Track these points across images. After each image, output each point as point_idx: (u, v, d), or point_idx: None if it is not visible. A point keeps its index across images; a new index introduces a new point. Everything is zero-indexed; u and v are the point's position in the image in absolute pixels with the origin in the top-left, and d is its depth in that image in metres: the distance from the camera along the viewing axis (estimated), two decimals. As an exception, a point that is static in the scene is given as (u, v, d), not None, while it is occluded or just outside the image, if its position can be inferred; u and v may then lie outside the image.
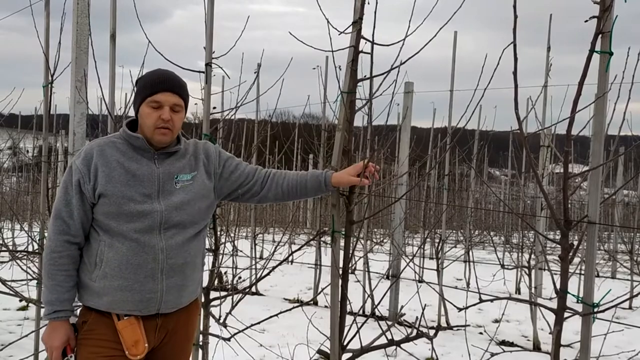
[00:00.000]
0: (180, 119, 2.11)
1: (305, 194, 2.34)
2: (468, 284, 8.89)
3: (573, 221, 2.02)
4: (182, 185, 2.11)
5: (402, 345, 2.33)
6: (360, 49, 2.34)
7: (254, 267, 7.90)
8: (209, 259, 3.02)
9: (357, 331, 2.39)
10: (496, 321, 6.78)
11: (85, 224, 2.05)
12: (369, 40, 2.33)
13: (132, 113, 2.19)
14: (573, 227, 2.01)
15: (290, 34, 2.48)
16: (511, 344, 5.91)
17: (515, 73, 1.96)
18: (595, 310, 1.97)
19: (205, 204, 2.18)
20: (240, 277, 6.42)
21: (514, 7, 1.92)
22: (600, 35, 1.94)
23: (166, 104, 2.05)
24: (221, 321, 3.20)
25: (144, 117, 2.06)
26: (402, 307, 3.17)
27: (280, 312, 3.17)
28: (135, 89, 2.17)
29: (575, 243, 2.04)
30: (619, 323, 5.06)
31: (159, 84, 2.05)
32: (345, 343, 2.42)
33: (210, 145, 2.30)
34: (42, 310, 2.13)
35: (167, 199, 2.06)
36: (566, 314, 2.02)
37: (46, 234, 2.11)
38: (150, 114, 2.05)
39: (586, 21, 1.94)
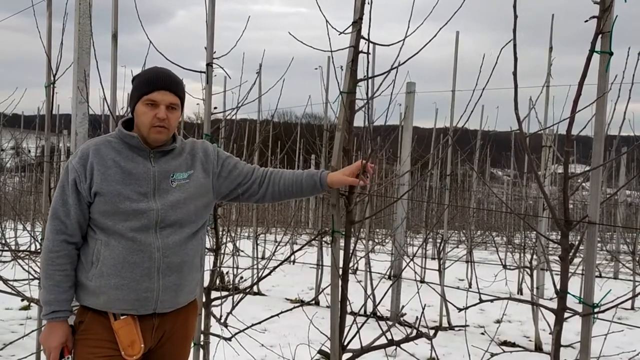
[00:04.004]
0: (176, 117, 2.11)
1: (301, 193, 2.33)
2: (470, 284, 8.88)
3: (573, 221, 2.02)
4: (178, 184, 2.10)
5: (402, 345, 2.33)
6: (360, 49, 2.35)
7: (255, 267, 7.90)
8: (210, 259, 3.03)
9: (357, 331, 2.39)
10: (498, 321, 6.78)
11: (83, 224, 2.05)
12: (368, 40, 2.33)
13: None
14: (573, 227, 2.01)
15: (290, 34, 2.48)
16: (513, 345, 5.91)
17: (515, 73, 1.96)
18: (595, 310, 1.97)
19: (202, 203, 2.18)
20: (241, 277, 6.43)
21: (514, 6, 1.92)
22: (600, 35, 1.94)
23: (162, 102, 2.04)
24: (222, 321, 3.21)
25: (140, 115, 2.06)
26: (403, 307, 3.16)
27: (282, 312, 3.17)
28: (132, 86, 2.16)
29: (576, 243, 2.04)
30: (620, 323, 5.05)
31: (155, 83, 2.05)
32: (345, 343, 2.42)
33: (209, 144, 2.30)
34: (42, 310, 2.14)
35: (163, 198, 2.06)
36: (566, 314, 2.02)
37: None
38: (146, 112, 2.04)
39: (586, 21, 1.94)
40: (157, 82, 2.05)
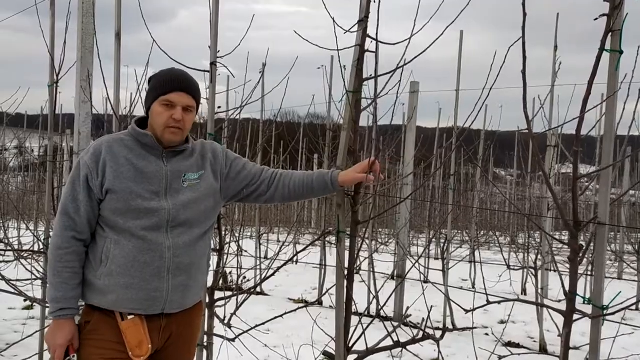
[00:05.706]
0: (191, 119, 2.12)
1: (312, 193, 2.32)
2: (474, 284, 8.85)
3: (583, 222, 1.99)
4: (189, 184, 2.11)
5: (407, 346, 2.31)
6: (365, 48, 2.32)
7: (258, 267, 7.88)
8: (213, 259, 3.00)
9: (363, 332, 2.36)
10: (502, 322, 6.75)
11: (92, 221, 2.04)
12: (374, 39, 2.30)
13: (137, 112, 2.20)
14: (582, 228, 1.98)
15: (296, 32, 2.46)
16: (517, 346, 5.88)
17: (524, 72, 1.94)
18: (605, 312, 1.94)
19: (211, 204, 2.18)
20: (245, 277, 6.41)
21: (523, 4, 1.90)
22: (610, 34, 1.91)
23: (179, 104, 2.05)
24: (226, 322, 3.19)
25: (156, 115, 2.07)
26: (407, 308, 3.14)
27: (285, 313, 3.15)
28: (147, 86, 2.17)
29: (584, 244, 2.02)
30: (626, 325, 5.01)
31: (173, 84, 2.06)
32: (350, 344, 2.39)
33: (217, 145, 2.30)
34: (47, 309, 2.11)
35: (175, 197, 2.06)
36: (575, 316, 1.99)
37: (51, 233, 2.10)
38: (162, 113, 2.05)
39: (596, 19, 1.92)
40: (175, 84, 2.06)
